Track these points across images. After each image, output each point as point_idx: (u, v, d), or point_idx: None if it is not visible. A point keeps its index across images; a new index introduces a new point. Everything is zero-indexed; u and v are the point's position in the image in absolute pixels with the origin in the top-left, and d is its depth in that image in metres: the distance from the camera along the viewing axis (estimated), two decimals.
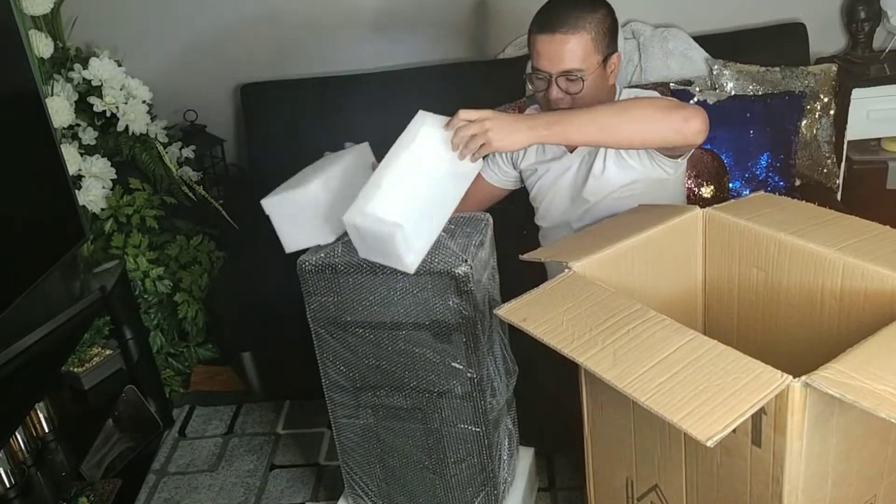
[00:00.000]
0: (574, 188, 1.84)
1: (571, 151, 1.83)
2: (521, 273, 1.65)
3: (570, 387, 1.51)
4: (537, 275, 1.42)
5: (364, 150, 1.69)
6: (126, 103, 2.30)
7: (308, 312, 1.59)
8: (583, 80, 1.65)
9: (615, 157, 1.75)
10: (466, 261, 1.45)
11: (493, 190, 1.99)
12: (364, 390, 1.64)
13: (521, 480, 1.81)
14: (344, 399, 1.67)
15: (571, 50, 1.63)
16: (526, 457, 1.87)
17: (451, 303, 1.47)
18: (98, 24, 2.57)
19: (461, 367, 1.53)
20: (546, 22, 1.64)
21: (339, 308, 1.55)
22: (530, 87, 1.74)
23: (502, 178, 1.97)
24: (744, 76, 2.45)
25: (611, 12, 1.69)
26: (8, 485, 1.81)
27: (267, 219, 1.69)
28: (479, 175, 1.73)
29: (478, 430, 1.59)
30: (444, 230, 1.50)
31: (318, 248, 1.56)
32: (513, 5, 2.64)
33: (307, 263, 1.54)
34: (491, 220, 1.61)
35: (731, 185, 2.31)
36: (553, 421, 1.82)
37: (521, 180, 1.97)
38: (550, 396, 1.74)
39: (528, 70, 1.74)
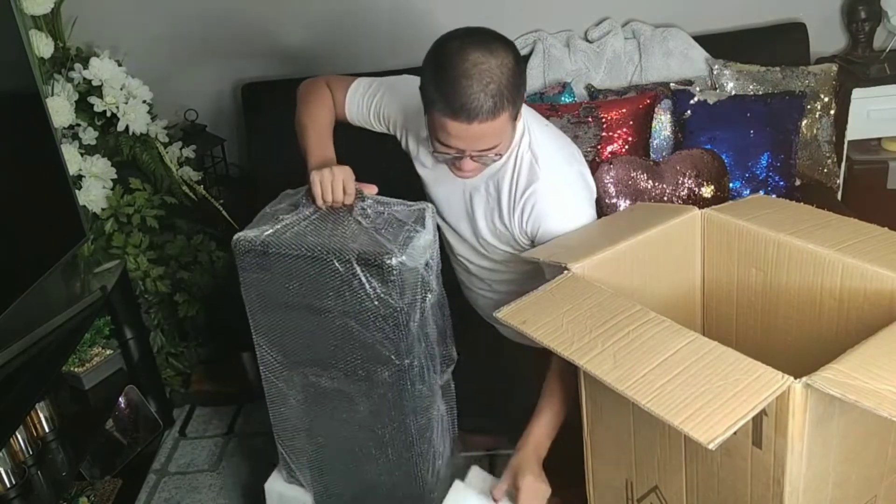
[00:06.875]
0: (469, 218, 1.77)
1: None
2: None
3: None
4: None
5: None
6: (126, 103, 2.29)
7: (242, 287, 1.61)
8: (500, 154, 1.54)
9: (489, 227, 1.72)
10: (395, 252, 1.45)
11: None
12: (296, 366, 1.65)
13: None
14: (276, 375, 1.68)
15: (491, 134, 1.47)
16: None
17: (379, 292, 1.47)
18: (98, 24, 2.56)
19: (389, 354, 1.53)
20: (459, 109, 1.41)
21: (271, 287, 1.58)
22: (433, 153, 1.59)
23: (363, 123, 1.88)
24: (744, 76, 2.45)
25: (517, 58, 1.47)
26: (8, 485, 1.81)
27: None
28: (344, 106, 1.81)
29: (402, 416, 1.59)
30: (379, 221, 1.53)
31: (257, 226, 1.58)
32: (513, 6, 2.65)
33: (243, 241, 1.55)
34: (431, 207, 1.60)
35: (731, 184, 2.31)
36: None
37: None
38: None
39: (429, 136, 1.55)
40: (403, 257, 1.46)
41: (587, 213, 1.66)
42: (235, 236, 1.57)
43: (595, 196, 1.72)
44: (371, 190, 1.58)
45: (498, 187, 1.67)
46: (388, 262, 1.45)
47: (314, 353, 1.61)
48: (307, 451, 1.75)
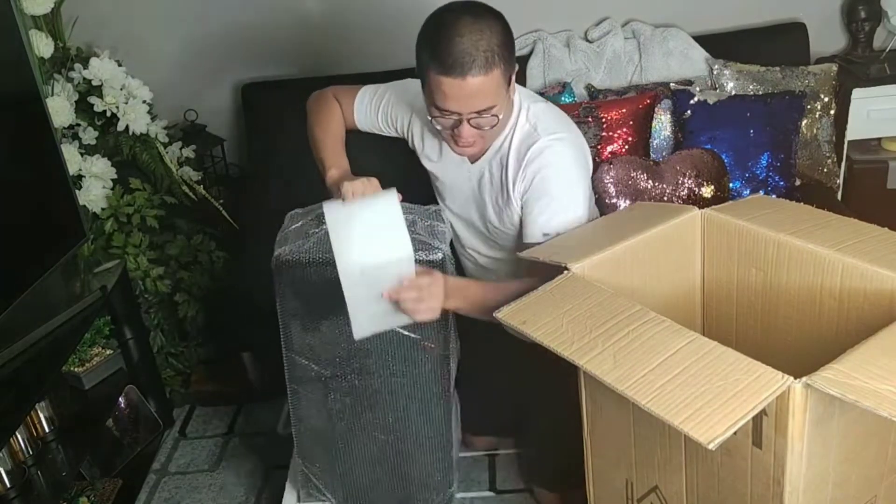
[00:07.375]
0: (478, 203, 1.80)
1: (473, 163, 1.76)
2: None
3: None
4: None
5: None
6: (126, 103, 2.29)
7: (279, 306, 1.62)
8: (497, 116, 1.56)
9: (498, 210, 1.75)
10: (441, 247, 1.56)
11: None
12: (335, 376, 1.66)
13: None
14: (311, 389, 1.69)
15: (485, 91, 1.50)
16: None
17: None
18: (98, 24, 2.56)
19: (433, 345, 1.60)
20: (453, 64, 1.46)
21: (313, 299, 1.59)
22: (432, 121, 1.61)
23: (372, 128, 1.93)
24: (744, 76, 2.45)
25: (505, 25, 1.56)
26: (8, 485, 1.81)
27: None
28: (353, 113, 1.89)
29: (440, 400, 1.65)
30: (407, 222, 1.57)
31: (287, 244, 1.59)
32: (513, 6, 2.64)
33: (284, 256, 1.57)
34: (440, 207, 1.77)
35: (731, 184, 2.31)
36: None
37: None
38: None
39: (427, 108, 1.60)
40: (448, 250, 1.57)
41: (583, 180, 1.70)
42: (274, 255, 1.58)
43: (591, 168, 1.78)
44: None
45: (501, 163, 1.71)
46: (438, 256, 1.55)
47: (357, 358, 1.63)
48: (338, 461, 1.76)
